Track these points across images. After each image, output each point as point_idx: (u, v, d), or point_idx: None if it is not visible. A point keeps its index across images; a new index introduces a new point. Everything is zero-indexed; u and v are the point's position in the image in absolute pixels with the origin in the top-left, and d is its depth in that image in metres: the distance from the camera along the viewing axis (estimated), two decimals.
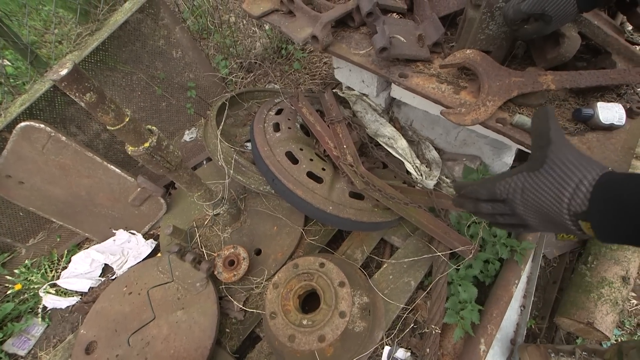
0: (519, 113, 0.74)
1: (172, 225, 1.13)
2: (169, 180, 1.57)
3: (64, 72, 0.57)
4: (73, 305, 1.34)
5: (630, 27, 0.89)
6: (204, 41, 2.10)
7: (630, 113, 0.72)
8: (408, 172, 1.27)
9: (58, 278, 1.40)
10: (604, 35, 0.70)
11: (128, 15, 1.16)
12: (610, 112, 0.69)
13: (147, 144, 0.76)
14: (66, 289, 1.37)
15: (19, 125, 1.11)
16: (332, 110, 1.16)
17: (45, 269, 1.45)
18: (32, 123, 1.12)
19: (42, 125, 1.13)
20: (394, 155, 1.28)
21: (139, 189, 1.29)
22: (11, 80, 1.53)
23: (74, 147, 1.18)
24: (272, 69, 1.98)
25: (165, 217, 1.39)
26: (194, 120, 1.78)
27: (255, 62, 2.00)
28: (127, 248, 1.44)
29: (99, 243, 1.46)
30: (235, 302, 1.08)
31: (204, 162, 1.64)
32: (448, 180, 1.35)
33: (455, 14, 0.88)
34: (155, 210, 1.40)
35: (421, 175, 1.28)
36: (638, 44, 0.86)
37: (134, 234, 1.45)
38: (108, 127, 0.69)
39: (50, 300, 1.34)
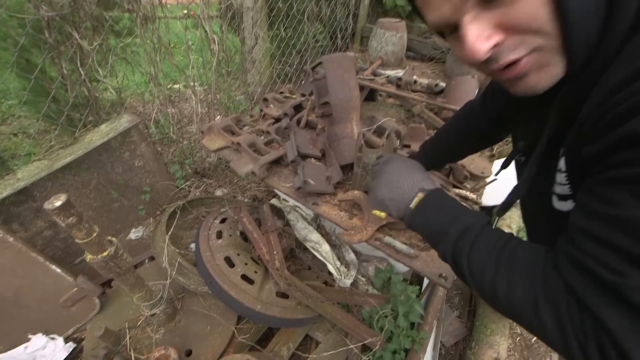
0: (389, 235, 1.09)
1: (104, 326, 1.18)
2: (106, 278, 1.60)
3: (58, 203, 0.78)
4: None
5: (463, 177, 1.39)
6: (164, 147, 2.41)
7: None
8: (330, 273, 1.52)
9: None
10: None
11: (104, 139, 1.43)
12: None
13: (105, 253, 0.93)
14: None
15: None
16: (268, 220, 1.45)
17: None
18: None
19: None
20: (319, 258, 1.55)
21: (75, 289, 1.33)
22: None
23: (19, 248, 1.25)
24: (223, 176, 2.30)
25: (96, 318, 1.40)
26: (142, 219, 1.92)
27: (209, 169, 2.32)
28: (39, 356, 1.36)
29: (5, 352, 1.35)
30: None
31: (146, 261, 1.72)
32: (363, 279, 1.63)
33: (350, 164, 1.30)
34: (87, 311, 1.40)
35: (341, 275, 1.54)
36: (462, 189, 1.35)
37: (53, 338, 1.38)
38: (77, 240, 0.87)
39: None
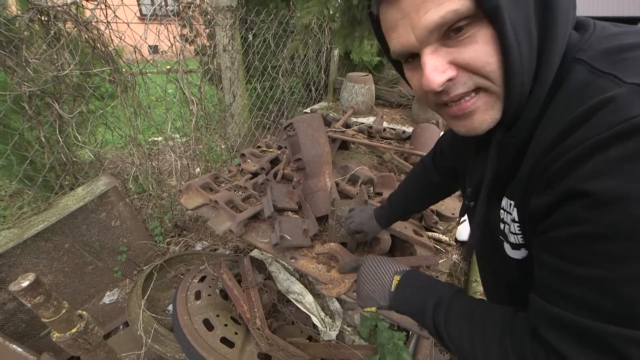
0: None
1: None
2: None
3: (25, 284, 0.76)
4: None
5: (433, 221, 1.45)
6: (143, 202, 2.39)
7: None
8: (314, 325, 1.49)
9: None
10: (405, 235, 1.19)
11: (80, 204, 1.42)
12: None
13: (74, 330, 0.89)
14: None
15: None
16: (249, 275, 1.43)
17: None
18: None
19: None
20: (302, 310, 1.52)
21: None
22: None
23: None
24: (204, 228, 2.28)
25: None
26: (118, 281, 1.84)
27: (189, 222, 2.30)
28: None
29: None
30: None
31: (121, 327, 1.63)
32: (349, 329, 1.60)
33: (326, 216, 1.35)
34: None
35: (326, 327, 1.51)
36: (436, 232, 1.40)
37: None
38: (43, 320, 0.83)
39: None
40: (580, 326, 0.34)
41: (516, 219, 0.46)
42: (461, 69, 0.40)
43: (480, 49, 0.38)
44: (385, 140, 1.96)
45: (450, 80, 0.41)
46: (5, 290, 1.45)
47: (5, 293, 1.46)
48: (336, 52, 3.02)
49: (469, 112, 0.43)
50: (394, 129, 2.10)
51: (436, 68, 0.40)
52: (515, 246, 0.49)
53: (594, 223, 0.32)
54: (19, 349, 1.22)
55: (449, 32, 0.39)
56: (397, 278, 0.64)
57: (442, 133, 2.05)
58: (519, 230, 0.46)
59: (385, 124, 2.30)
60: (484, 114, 0.43)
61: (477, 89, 0.41)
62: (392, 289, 0.64)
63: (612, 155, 0.31)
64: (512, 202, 0.46)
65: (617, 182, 0.30)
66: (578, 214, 0.33)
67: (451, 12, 0.37)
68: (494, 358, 0.44)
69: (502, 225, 0.50)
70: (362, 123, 2.22)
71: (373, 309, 0.68)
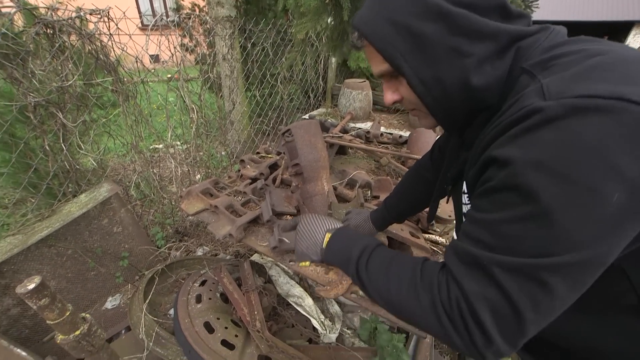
0: None
1: None
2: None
3: (31, 286, 0.79)
4: None
5: (430, 223, 1.47)
6: (144, 208, 2.42)
7: None
8: (314, 328, 1.50)
9: None
10: (401, 237, 1.21)
11: (83, 210, 1.45)
12: None
13: (78, 332, 0.91)
14: None
15: None
16: (249, 279, 1.46)
17: None
18: None
19: None
20: (302, 314, 1.54)
21: None
22: None
23: None
24: (204, 233, 2.30)
25: None
26: (120, 287, 1.86)
27: (190, 228, 2.33)
28: None
29: None
30: None
31: (123, 332, 1.64)
32: (349, 332, 1.61)
33: None
34: None
35: (326, 329, 1.52)
36: (433, 234, 1.43)
37: None
38: (48, 322, 0.86)
39: None
40: (469, 253, 0.46)
41: (466, 191, 0.61)
42: (401, 96, 0.59)
43: (406, 90, 0.56)
44: (382, 145, 1.99)
45: (397, 99, 0.60)
46: (9, 295, 1.47)
47: (10, 299, 1.48)
48: (334, 59, 3.08)
49: (417, 117, 0.62)
50: (391, 134, 2.14)
51: (387, 92, 0.60)
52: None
53: (495, 179, 0.43)
54: (24, 353, 1.24)
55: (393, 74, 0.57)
56: (328, 235, 0.73)
57: (437, 137, 2.08)
58: (467, 200, 0.62)
59: (382, 129, 2.33)
60: (426, 120, 0.61)
61: (415, 108, 0.60)
62: (324, 245, 0.73)
63: (511, 132, 0.42)
64: (465, 180, 0.60)
65: (510, 150, 0.41)
66: (489, 175, 0.45)
67: (380, 71, 0.57)
68: (405, 291, 0.53)
69: (464, 208, 0.64)
70: (360, 128, 2.25)
71: (307, 263, 0.74)
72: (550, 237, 0.39)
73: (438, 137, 1.00)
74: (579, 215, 0.37)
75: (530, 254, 0.40)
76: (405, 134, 2.08)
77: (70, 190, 1.69)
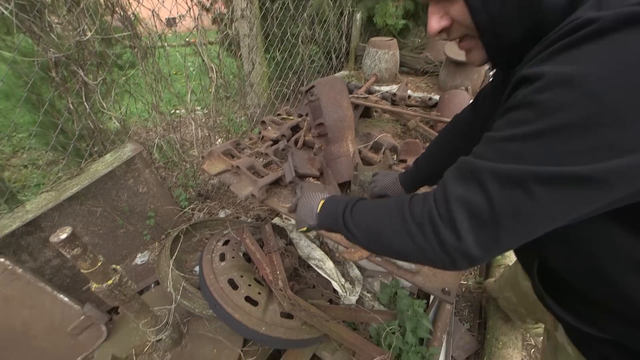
0: None
1: (110, 354, 1.18)
2: (112, 306, 1.61)
3: (63, 236, 0.80)
4: None
5: None
6: (167, 171, 2.46)
7: None
8: (335, 290, 1.52)
9: None
10: None
11: (109, 169, 1.48)
12: None
13: (110, 282, 0.95)
14: None
15: None
16: (270, 240, 1.46)
17: None
18: None
19: (1, 260, 1.24)
20: (323, 276, 1.55)
21: (82, 317, 1.34)
22: None
23: (28, 279, 1.28)
24: (226, 197, 2.33)
25: (103, 346, 1.40)
26: (148, 244, 1.94)
27: (212, 191, 2.36)
28: None
29: None
30: None
31: (152, 286, 1.74)
32: (369, 295, 1.62)
33: (348, 182, 1.33)
34: (94, 339, 1.40)
35: (346, 292, 1.53)
36: None
37: None
38: (82, 270, 0.89)
39: None
40: (467, 162, 0.45)
41: None
42: (452, 20, 0.51)
43: (458, 8, 0.49)
44: (410, 108, 1.87)
45: (446, 27, 0.52)
46: (50, 248, 1.57)
47: (50, 250, 1.58)
48: (358, 15, 2.85)
49: (465, 50, 0.56)
50: (420, 97, 2.00)
51: (434, 19, 0.52)
52: None
53: (517, 98, 0.40)
54: (66, 299, 1.33)
55: None
56: (321, 202, 0.77)
57: (471, 100, 1.93)
58: None
59: (409, 92, 2.19)
60: (476, 52, 0.54)
61: (466, 35, 0.52)
62: (317, 210, 0.76)
63: (554, 48, 0.37)
64: None
65: (544, 68, 0.37)
66: (515, 94, 0.41)
67: None
68: (395, 224, 0.52)
69: None
70: (386, 91, 2.12)
71: (304, 229, 0.79)
72: (560, 153, 0.36)
73: (481, 88, 0.89)
74: (601, 145, 0.33)
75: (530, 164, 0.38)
76: (435, 97, 1.94)
77: (96, 150, 1.72)
